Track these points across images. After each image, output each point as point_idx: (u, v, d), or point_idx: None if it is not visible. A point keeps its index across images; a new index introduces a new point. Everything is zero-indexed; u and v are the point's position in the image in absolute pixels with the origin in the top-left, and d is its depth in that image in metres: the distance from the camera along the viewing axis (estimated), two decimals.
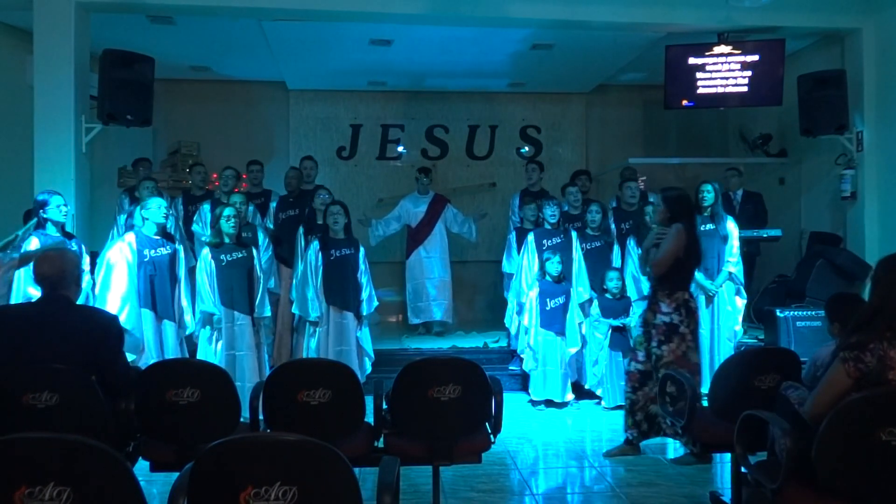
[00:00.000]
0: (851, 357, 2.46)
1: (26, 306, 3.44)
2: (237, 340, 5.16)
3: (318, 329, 5.68)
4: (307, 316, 5.64)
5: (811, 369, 3.06)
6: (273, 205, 6.92)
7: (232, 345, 5.15)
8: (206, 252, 5.18)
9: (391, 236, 7.68)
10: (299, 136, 8.82)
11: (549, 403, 5.86)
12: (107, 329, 3.15)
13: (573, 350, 5.88)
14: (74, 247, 4.66)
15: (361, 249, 5.80)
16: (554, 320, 5.79)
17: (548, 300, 5.79)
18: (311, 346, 5.70)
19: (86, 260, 4.83)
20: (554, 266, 5.78)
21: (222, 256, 5.15)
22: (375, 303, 5.91)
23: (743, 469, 3.03)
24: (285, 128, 8.82)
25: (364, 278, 5.76)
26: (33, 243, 4.57)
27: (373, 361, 5.83)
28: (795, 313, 6.12)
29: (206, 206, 6.41)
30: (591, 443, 5.08)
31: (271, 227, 6.78)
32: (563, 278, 5.87)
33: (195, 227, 6.45)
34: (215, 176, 7.58)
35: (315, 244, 5.70)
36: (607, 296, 5.87)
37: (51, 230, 4.72)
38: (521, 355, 6.31)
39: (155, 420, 3.16)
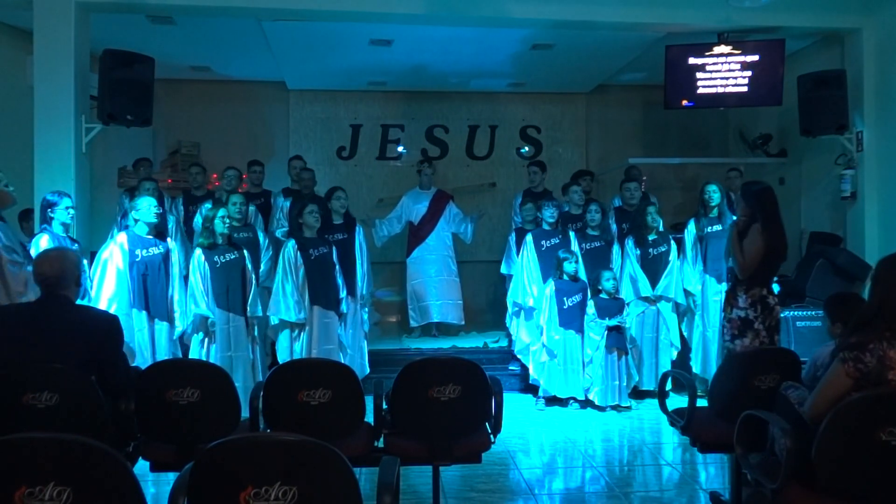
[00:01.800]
0: (851, 357, 2.46)
1: (26, 306, 3.43)
2: (233, 341, 5.15)
3: (302, 332, 5.51)
4: (290, 318, 5.43)
5: (811, 369, 3.06)
6: (287, 204, 6.81)
7: (228, 346, 5.15)
8: (198, 253, 5.13)
9: (395, 236, 7.61)
10: (299, 136, 8.81)
11: (572, 401, 5.91)
12: (107, 329, 3.15)
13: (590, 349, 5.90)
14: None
15: (334, 248, 5.79)
16: (573, 318, 5.82)
17: (565, 299, 5.82)
18: (295, 350, 5.50)
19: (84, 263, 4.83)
20: (571, 265, 5.82)
21: (216, 258, 5.13)
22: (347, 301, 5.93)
23: (743, 469, 3.03)
24: (285, 128, 8.81)
25: (340, 277, 5.75)
26: (44, 241, 4.55)
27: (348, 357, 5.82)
28: (795, 313, 6.12)
29: (207, 206, 6.33)
30: (589, 443, 5.08)
31: (286, 226, 6.67)
32: (579, 277, 5.90)
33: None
34: (215, 176, 7.60)
35: (292, 243, 5.55)
36: (602, 296, 5.88)
37: (57, 229, 4.71)
38: (518, 356, 6.31)
39: (155, 420, 3.16)
